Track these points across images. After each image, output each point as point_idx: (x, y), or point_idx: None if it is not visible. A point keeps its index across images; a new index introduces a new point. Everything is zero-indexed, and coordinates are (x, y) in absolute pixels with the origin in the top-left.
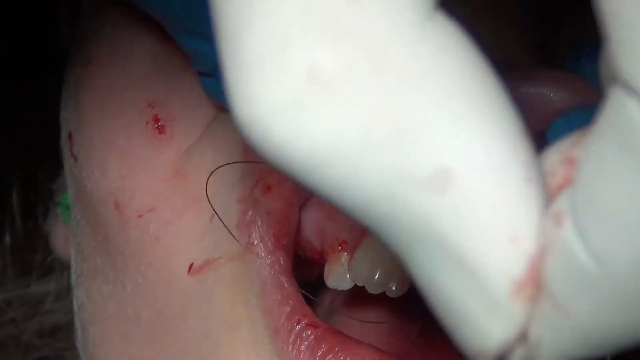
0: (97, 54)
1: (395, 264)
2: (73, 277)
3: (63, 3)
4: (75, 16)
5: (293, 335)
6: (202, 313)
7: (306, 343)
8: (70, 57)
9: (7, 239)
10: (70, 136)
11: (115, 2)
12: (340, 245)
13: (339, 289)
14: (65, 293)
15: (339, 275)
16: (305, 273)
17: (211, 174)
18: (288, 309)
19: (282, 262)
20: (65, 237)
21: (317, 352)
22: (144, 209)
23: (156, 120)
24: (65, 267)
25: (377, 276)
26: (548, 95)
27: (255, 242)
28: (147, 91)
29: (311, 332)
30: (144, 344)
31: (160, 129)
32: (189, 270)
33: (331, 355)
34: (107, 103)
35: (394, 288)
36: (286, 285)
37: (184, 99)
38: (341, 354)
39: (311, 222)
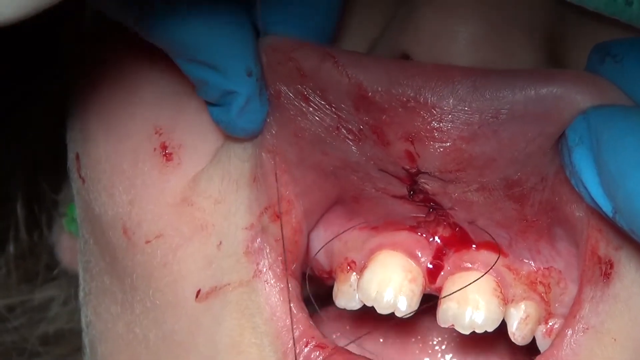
0: (104, 77)
1: (404, 284)
2: (81, 294)
3: (66, 20)
4: (78, 34)
5: (302, 358)
6: (210, 338)
7: None
8: (77, 77)
9: (11, 249)
10: (77, 158)
11: (123, 26)
12: (349, 265)
13: (348, 308)
14: (69, 300)
15: (348, 295)
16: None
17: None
18: (297, 333)
19: (290, 288)
20: (70, 248)
21: None
22: (151, 235)
23: (164, 147)
24: (70, 276)
25: (385, 296)
26: (569, 94)
27: (264, 269)
28: (155, 116)
29: (319, 353)
30: None
31: (168, 157)
32: (197, 296)
33: None
34: (114, 127)
35: (402, 308)
36: (295, 311)
37: (191, 125)
38: None
39: (320, 243)
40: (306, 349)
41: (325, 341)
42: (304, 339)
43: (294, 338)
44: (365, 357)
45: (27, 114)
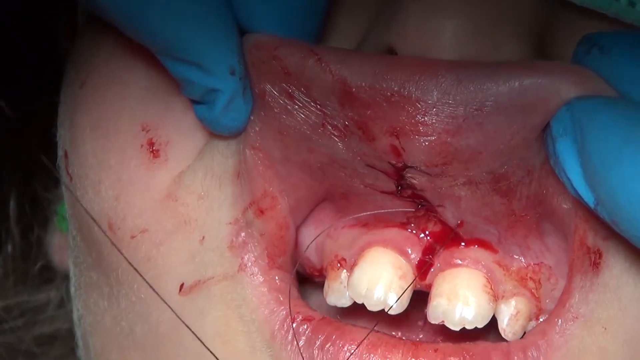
0: (93, 75)
1: (394, 281)
2: (72, 289)
3: (63, 17)
4: (74, 31)
5: (290, 335)
6: (196, 330)
7: (304, 338)
8: (67, 75)
9: (9, 250)
10: (66, 155)
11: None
12: (339, 262)
13: (339, 305)
14: (65, 301)
15: (338, 293)
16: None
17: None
18: (284, 313)
19: (277, 280)
20: (61, 246)
21: (315, 344)
22: (136, 230)
23: (150, 144)
24: (66, 277)
25: (375, 293)
26: (552, 85)
27: (249, 263)
28: (142, 114)
29: (307, 326)
30: (140, 356)
31: (155, 153)
32: (180, 290)
33: (329, 344)
34: (101, 124)
35: (393, 305)
36: (281, 298)
37: (179, 122)
38: (339, 340)
39: (311, 240)
40: (294, 325)
41: (312, 314)
42: (290, 317)
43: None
44: (351, 324)
45: (22, 114)
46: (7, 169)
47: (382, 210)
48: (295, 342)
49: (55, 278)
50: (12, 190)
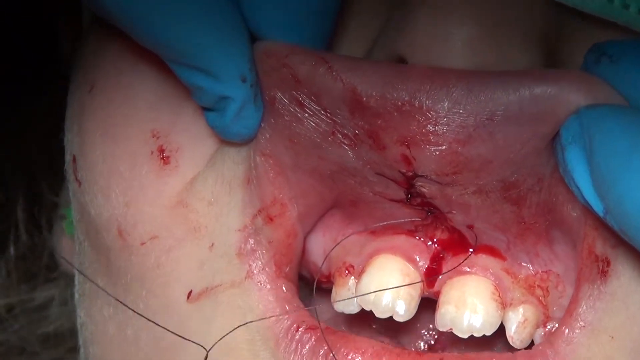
0: (101, 79)
1: (402, 288)
2: (76, 296)
3: (64, 18)
4: (76, 32)
5: (294, 343)
6: (201, 338)
7: (307, 346)
8: (74, 79)
9: (12, 250)
10: (74, 160)
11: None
12: (347, 269)
13: (346, 312)
14: (68, 301)
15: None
16: None
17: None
18: (288, 321)
19: (284, 289)
20: (69, 250)
21: (319, 353)
22: (146, 236)
23: (161, 150)
24: (69, 277)
25: (383, 300)
26: (562, 93)
27: (256, 270)
28: (151, 120)
29: (311, 335)
30: None
31: (165, 160)
32: (188, 297)
33: (332, 354)
34: (110, 130)
35: (401, 312)
36: (287, 307)
37: (189, 128)
38: (344, 349)
39: (318, 246)
40: (298, 334)
41: (316, 323)
42: (295, 325)
43: None
44: (355, 334)
45: (27, 115)
46: (16, 169)
47: (392, 221)
48: (298, 351)
49: (58, 278)
50: (18, 190)
